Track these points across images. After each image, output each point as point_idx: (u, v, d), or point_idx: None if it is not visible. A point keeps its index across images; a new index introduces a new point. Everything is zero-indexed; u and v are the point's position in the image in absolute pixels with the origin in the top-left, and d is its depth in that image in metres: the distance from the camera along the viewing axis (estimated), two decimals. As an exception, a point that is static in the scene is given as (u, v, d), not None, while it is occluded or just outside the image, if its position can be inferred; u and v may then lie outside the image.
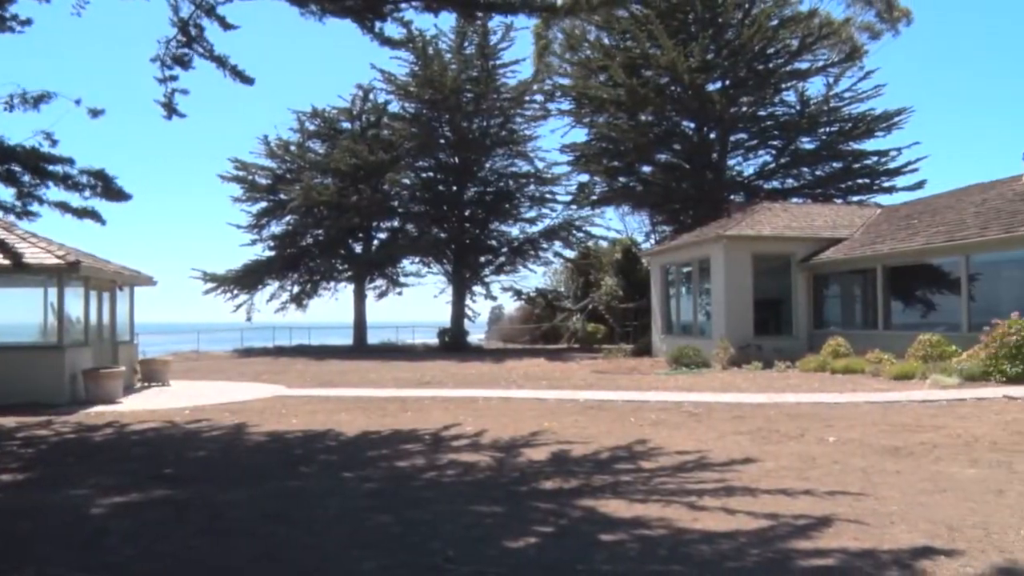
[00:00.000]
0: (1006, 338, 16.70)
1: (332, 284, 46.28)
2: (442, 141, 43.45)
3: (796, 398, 15.26)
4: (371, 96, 43.63)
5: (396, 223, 45.70)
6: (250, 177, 43.08)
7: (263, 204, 43.78)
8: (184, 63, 12.10)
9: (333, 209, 40.61)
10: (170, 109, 12.61)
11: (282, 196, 41.86)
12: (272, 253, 43.72)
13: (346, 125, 44.11)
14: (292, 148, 43.36)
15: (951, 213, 22.91)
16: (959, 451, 9.18)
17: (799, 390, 16.74)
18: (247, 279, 43.26)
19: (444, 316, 46.34)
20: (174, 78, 12.37)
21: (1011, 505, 6.63)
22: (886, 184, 39.81)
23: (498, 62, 42.33)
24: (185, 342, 41.58)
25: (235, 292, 43.71)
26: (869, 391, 16.07)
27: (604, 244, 45.94)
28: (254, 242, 44.16)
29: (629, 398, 15.95)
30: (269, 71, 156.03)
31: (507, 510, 6.86)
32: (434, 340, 45.09)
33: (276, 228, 44.19)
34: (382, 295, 47.01)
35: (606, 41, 40.92)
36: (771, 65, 39.16)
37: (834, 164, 40.46)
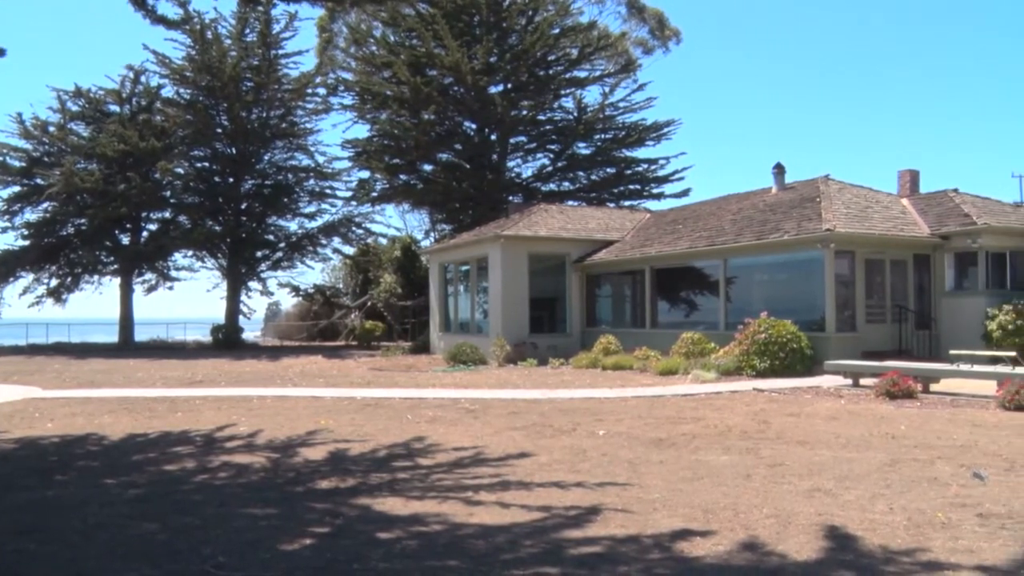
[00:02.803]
0: (756, 336, 18.28)
1: (96, 277, 43.39)
2: (219, 130, 41.88)
3: (569, 394, 15.80)
4: (143, 79, 41.48)
5: (168, 214, 43.68)
6: (1, 158, 39.59)
7: (16, 188, 40.45)
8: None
9: (98, 197, 38.16)
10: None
11: (39, 181, 38.90)
12: (26, 242, 40.47)
13: (114, 108, 41.66)
14: (51, 129, 40.29)
15: (712, 220, 24.57)
16: (715, 440, 9.88)
17: (572, 386, 17.40)
18: (-4, 270, 39.78)
19: (218, 312, 44.85)
20: (-97, 40, 11.14)
21: (757, 488, 7.26)
22: (655, 190, 42.35)
23: (280, 52, 41.50)
24: (-80, 340, 38.02)
25: (-19, 285, 40.11)
26: (637, 386, 16.93)
27: (384, 241, 46.10)
28: (5, 230, 41.02)
29: (407, 395, 15.99)
30: (26, 44, 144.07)
31: (282, 511, 6.71)
32: (207, 337, 43.49)
33: (31, 215, 41.06)
34: (151, 289, 44.78)
35: (391, 38, 40.79)
36: (551, 72, 40.64)
37: (608, 169, 42.48)
